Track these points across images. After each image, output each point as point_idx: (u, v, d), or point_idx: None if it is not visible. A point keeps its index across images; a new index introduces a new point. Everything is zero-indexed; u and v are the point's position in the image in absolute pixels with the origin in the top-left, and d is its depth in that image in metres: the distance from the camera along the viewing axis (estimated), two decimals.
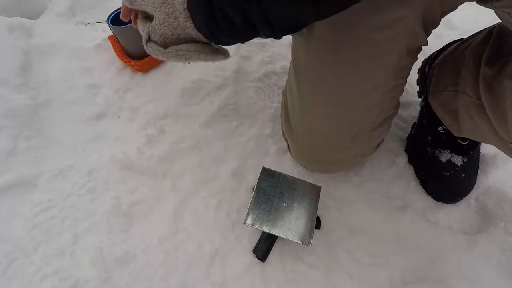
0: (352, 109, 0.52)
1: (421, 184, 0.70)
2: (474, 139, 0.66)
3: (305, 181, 0.62)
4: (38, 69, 0.95)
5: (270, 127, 0.78)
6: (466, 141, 0.67)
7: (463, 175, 0.67)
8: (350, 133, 0.55)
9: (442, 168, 0.67)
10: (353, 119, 0.54)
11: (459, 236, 0.63)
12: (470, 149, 0.68)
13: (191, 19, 0.41)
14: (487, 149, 0.72)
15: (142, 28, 0.48)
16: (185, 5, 0.41)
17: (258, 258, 0.61)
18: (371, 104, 0.53)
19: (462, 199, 0.67)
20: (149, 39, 0.47)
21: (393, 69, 0.50)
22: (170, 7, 0.42)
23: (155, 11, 0.44)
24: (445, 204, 0.68)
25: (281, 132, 0.73)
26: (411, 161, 0.72)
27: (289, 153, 0.71)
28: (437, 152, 0.69)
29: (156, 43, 0.46)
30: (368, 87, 0.50)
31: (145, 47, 0.48)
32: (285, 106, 0.64)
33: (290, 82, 0.60)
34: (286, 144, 0.70)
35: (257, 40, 0.95)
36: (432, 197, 0.69)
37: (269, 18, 0.35)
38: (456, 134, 0.64)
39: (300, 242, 0.55)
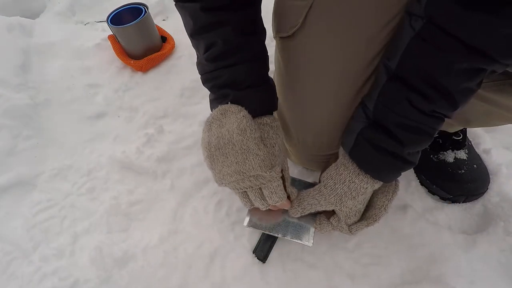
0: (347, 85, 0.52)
1: (443, 190, 0.67)
2: (467, 127, 0.69)
3: (304, 180, 0.62)
4: (38, 68, 0.95)
5: None
6: (460, 136, 0.69)
7: (475, 166, 0.68)
8: (349, 114, 0.54)
9: (455, 167, 0.68)
10: (349, 99, 0.53)
11: (459, 236, 0.63)
12: (465, 141, 0.70)
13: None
14: (486, 149, 0.73)
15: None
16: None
17: (259, 259, 0.61)
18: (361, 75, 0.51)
19: (488, 188, 0.67)
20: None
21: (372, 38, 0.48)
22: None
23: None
24: (445, 204, 0.68)
25: None
26: (419, 174, 0.72)
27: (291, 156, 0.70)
28: (441, 156, 0.69)
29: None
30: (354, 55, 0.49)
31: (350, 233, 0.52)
32: (280, 117, 0.63)
33: (280, 90, 0.58)
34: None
35: None
36: (459, 202, 0.67)
37: None
38: (449, 130, 0.66)
39: (300, 242, 0.55)
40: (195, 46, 0.49)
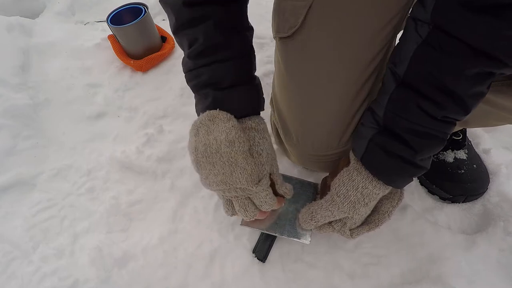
0: (347, 84, 0.51)
1: (443, 190, 0.68)
2: (466, 127, 0.69)
3: (301, 179, 0.62)
4: (37, 68, 0.95)
5: (269, 127, 0.78)
6: (460, 136, 0.69)
7: (474, 166, 0.68)
8: (349, 114, 0.54)
9: (454, 167, 0.68)
10: (349, 98, 0.52)
11: (459, 236, 0.63)
12: (464, 141, 0.70)
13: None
14: (486, 149, 0.73)
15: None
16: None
17: (258, 259, 0.61)
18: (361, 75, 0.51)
19: (488, 187, 0.67)
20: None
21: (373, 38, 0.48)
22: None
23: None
24: (445, 204, 0.68)
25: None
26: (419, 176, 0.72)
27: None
28: (441, 156, 0.70)
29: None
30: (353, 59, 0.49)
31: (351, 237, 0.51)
32: (279, 118, 0.63)
33: (280, 90, 0.59)
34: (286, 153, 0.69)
35: (256, 40, 0.95)
36: (458, 202, 0.67)
37: None
38: None
39: (298, 240, 0.55)
40: (180, 43, 0.47)
